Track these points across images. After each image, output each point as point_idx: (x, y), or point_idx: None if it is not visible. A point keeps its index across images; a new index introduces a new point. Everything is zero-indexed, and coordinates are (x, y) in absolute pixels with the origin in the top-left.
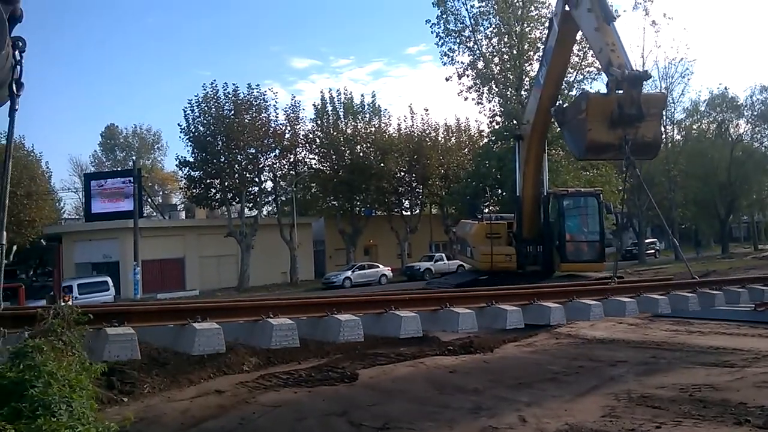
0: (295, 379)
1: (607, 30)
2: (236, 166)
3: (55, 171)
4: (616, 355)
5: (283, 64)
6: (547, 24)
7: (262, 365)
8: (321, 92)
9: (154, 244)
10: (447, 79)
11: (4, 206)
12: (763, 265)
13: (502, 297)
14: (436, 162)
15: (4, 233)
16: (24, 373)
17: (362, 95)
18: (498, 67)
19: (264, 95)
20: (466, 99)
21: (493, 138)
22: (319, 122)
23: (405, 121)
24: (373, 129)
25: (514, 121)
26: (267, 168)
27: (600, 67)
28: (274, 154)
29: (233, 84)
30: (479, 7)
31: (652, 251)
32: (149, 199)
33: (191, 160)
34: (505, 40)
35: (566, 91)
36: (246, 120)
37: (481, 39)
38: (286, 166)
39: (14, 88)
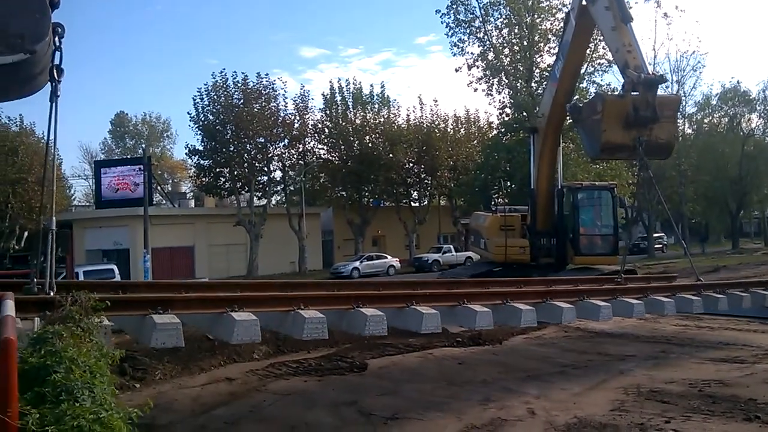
0: (305, 368)
1: (624, 30)
2: (245, 155)
3: (65, 158)
4: (625, 349)
5: (291, 53)
6: (558, 15)
7: (272, 354)
8: (330, 82)
9: (164, 232)
10: (457, 70)
11: (53, 193)
12: None
13: (516, 295)
14: (445, 153)
15: (54, 218)
16: (46, 358)
17: (371, 85)
18: (508, 59)
19: (273, 84)
20: (476, 90)
21: (503, 130)
22: (328, 112)
23: (414, 111)
24: (382, 119)
25: (524, 113)
26: (276, 157)
27: (611, 59)
28: (283, 143)
29: (243, 73)
30: None
31: (660, 245)
32: (159, 187)
33: (201, 148)
34: (516, 31)
35: (578, 84)
36: (255, 109)
37: (492, 30)
38: (295, 156)
39: (55, 73)
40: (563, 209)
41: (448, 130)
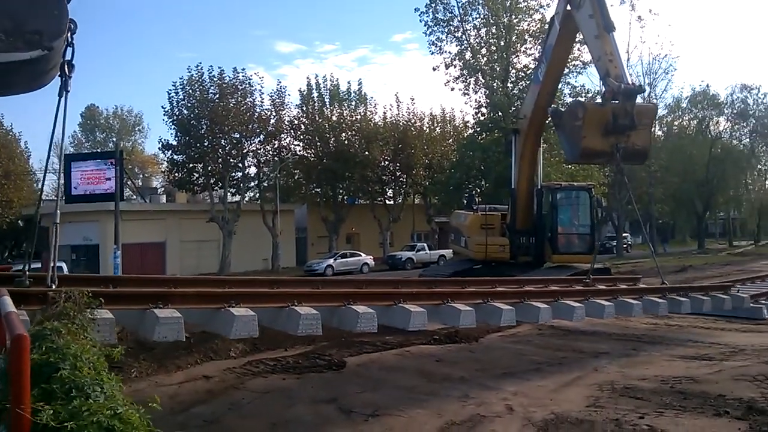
0: (283, 365)
1: (607, 39)
2: (220, 150)
3: (33, 152)
4: (598, 346)
5: (267, 48)
6: (535, 16)
7: (249, 351)
8: (307, 78)
9: (134, 228)
10: (434, 69)
11: (59, 187)
12: (737, 260)
13: (496, 295)
14: (420, 151)
15: (58, 212)
16: (48, 355)
17: (348, 82)
18: (485, 59)
19: (250, 80)
20: (453, 89)
21: (478, 129)
22: (304, 108)
23: (391, 109)
24: (358, 117)
25: (500, 113)
26: (251, 153)
27: (586, 62)
28: (258, 139)
29: (219, 67)
30: None
31: (625, 245)
32: (130, 182)
33: (174, 143)
34: (493, 31)
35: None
36: (231, 104)
37: (470, 29)
38: (271, 152)
39: (66, 69)
40: (542, 209)
41: (424, 128)
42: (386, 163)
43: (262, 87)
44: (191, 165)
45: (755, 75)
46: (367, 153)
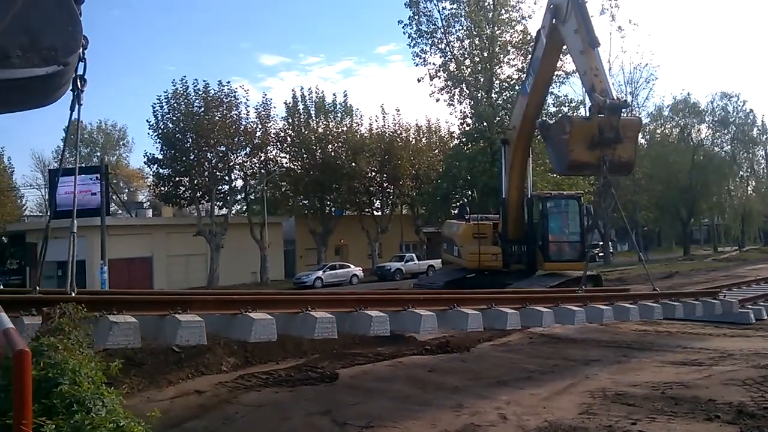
0: (275, 379)
1: (592, 54)
2: (206, 164)
3: (17, 166)
4: (589, 354)
5: (251, 60)
6: (517, 27)
7: (240, 365)
8: (293, 90)
9: (121, 243)
10: (419, 80)
11: (74, 198)
12: (722, 266)
13: (500, 300)
14: (407, 162)
15: (75, 221)
16: (47, 370)
17: (334, 94)
18: (469, 69)
19: (235, 93)
20: (437, 100)
21: (464, 139)
22: (290, 121)
23: (376, 121)
24: (344, 128)
25: (485, 123)
26: (237, 166)
27: (568, 72)
28: (244, 152)
29: (204, 81)
30: (451, 9)
31: (610, 252)
32: (115, 197)
33: (160, 157)
34: (477, 42)
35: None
36: (216, 117)
37: (453, 41)
38: (257, 165)
39: (78, 83)
40: (533, 217)
41: (410, 139)
42: (373, 174)
43: (247, 100)
44: (177, 179)
45: (735, 83)
46: (353, 164)
